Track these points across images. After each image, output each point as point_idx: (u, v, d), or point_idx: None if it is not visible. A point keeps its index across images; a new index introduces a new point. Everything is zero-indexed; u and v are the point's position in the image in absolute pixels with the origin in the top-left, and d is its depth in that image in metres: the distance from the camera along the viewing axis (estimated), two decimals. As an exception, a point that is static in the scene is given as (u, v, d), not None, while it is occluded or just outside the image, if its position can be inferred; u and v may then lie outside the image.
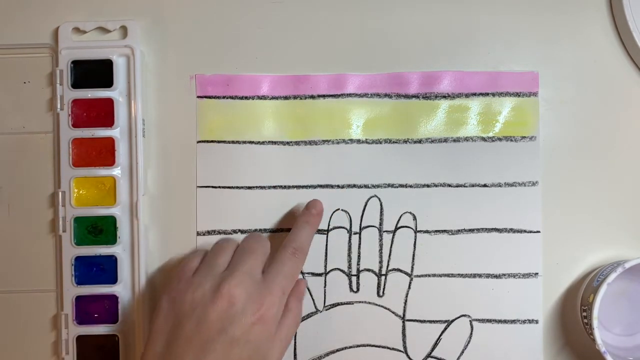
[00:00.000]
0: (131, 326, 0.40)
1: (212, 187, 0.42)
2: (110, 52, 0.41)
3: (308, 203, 0.40)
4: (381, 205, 0.41)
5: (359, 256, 0.41)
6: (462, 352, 0.41)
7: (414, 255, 0.41)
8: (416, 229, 0.41)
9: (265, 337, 0.35)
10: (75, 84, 0.41)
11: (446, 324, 0.41)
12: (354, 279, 0.41)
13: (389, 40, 0.42)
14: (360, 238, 0.41)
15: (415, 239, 0.41)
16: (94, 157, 0.41)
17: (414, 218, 0.41)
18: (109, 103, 0.41)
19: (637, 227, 0.41)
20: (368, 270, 0.41)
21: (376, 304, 0.41)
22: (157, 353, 0.34)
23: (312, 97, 0.42)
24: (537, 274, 0.41)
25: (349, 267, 0.41)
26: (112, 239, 0.41)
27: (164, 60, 0.42)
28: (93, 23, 0.42)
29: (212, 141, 0.42)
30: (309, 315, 0.41)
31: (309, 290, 0.41)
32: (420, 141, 0.42)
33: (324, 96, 0.42)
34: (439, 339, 0.41)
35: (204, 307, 0.34)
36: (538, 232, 0.41)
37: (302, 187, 0.42)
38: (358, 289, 0.41)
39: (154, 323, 0.36)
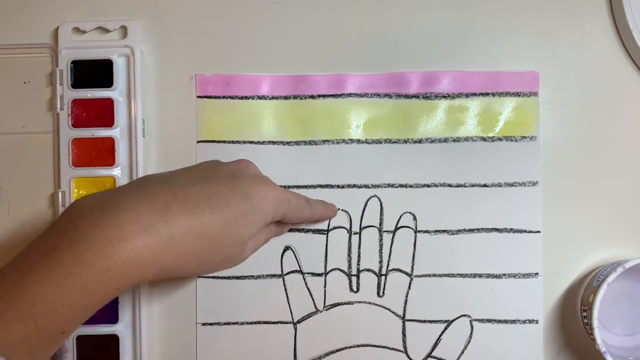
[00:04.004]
0: (131, 326, 0.40)
1: (212, 187, 0.42)
2: (110, 52, 0.41)
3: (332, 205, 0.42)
4: (381, 205, 0.41)
5: (359, 256, 0.41)
6: (462, 352, 0.41)
7: (414, 255, 0.41)
8: (416, 229, 0.41)
9: (261, 208, 0.33)
10: (75, 84, 0.41)
11: (446, 324, 0.41)
12: (354, 279, 0.41)
13: (389, 40, 0.42)
14: (360, 238, 0.41)
15: (415, 239, 0.41)
16: (94, 157, 0.41)
17: (414, 218, 0.41)
18: (109, 103, 0.41)
19: (637, 227, 0.41)
20: (368, 270, 0.41)
21: (376, 304, 0.41)
22: (152, 175, 0.34)
23: (312, 97, 0.42)
24: (537, 274, 0.41)
25: (349, 267, 0.41)
26: (112, 239, 0.41)
27: (164, 60, 0.42)
28: (93, 23, 0.42)
29: (212, 141, 0.42)
30: (309, 315, 0.41)
31: (309, 290, 0.41)
32: (420, 141, 0.42)
33: (324, 96, 0.42)
34: (439, 339, 0.41)
35: (218, 162, 0.36)
36: (538, 232, 0.41)
37: (302, 187, 0.42)
38: (358, 289, 0.41)
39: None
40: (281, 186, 0.41)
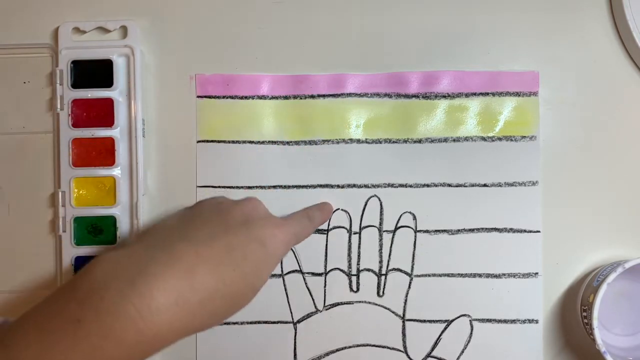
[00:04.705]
0: (131, 326, 0.40)
1: (212, 187, 0.42)
2: (110, 52, 0.41)
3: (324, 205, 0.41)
4: (381, 205, 0.41)
5: (359, 256, 0.41)
6: (462, 352, 0.41)
7: (414, 255, 0.41)
8: (416, 228, 0.41)
9: (275, 253, 0.34)
10: (75, 84, 0.41)
11: (446, 323, 0.41)
12: (354, 278, 0.41)
13: (389, 40, 0.42)
14: (360, 238, 0.41)
15: (415, 239, 0.41)
16: (94, 157, 0.41)
17: (414, 218, 0.41)
18: (109, 103, 0.41)
19: (637, 227, 0.41)
20: (368, 270, 0.41)
21: (376, 304, 0.41)
22: (167, 226, 0.34)
23: (312, 96, 0.42)
24: (537, 273, 0.41)
25: (349, 267, 0.41)
26: (112, 239, 0.41)
27: (164, 60, 0.42)
28: (93, 23, 0.42)
29: (212, 141, 0.42)
30: (308, 315, 0.41)
31: (309, 290, 0.41)
32: (420, 141, 0.42)
33: (323, 96, 0.42)
34: (439, 338, 0.41)
35: (227, 205, 0.35)
36: (538, 232, 0.41)
37: (302, 187, 0.42)
38: (358, 289, 0.41)
39: (156, 224, 0.36)
40: (281, 186, 0.42)
